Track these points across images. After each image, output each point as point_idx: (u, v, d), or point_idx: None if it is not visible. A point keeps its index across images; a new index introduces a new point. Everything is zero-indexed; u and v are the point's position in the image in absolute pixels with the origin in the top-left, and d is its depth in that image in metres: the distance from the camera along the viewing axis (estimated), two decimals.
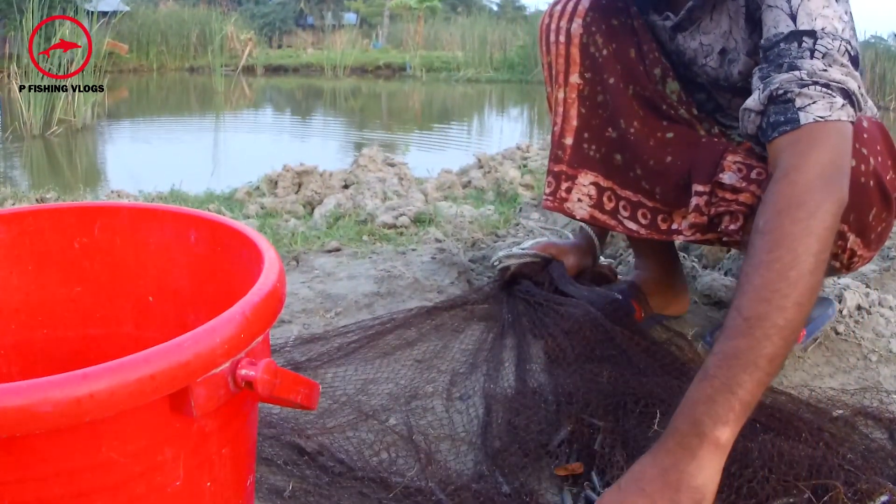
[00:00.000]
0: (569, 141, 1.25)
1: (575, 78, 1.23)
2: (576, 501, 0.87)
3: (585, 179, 1.25)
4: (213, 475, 0.59)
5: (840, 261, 1.08)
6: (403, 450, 0.97)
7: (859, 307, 1.39)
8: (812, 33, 0.91)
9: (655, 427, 0.94)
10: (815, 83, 0.89)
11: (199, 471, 0.57)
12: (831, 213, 0.81)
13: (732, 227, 1.12)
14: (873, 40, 11.79)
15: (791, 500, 0.81)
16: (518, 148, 3.42)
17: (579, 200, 1.27)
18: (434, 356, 1.22)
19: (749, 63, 1.08)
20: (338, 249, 1.81)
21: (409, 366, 1.19)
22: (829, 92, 0.88)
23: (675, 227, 1.20)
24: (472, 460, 0.95)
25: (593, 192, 1.26)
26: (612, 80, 1.21)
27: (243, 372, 0.55)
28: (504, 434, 0.98)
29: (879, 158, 1.01)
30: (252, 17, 19.16)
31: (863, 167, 0.99)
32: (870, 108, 1.20)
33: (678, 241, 1.22)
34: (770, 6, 0.96)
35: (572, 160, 1.25)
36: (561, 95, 1.25)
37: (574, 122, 1.25)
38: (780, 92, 0.90)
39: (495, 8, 28.15)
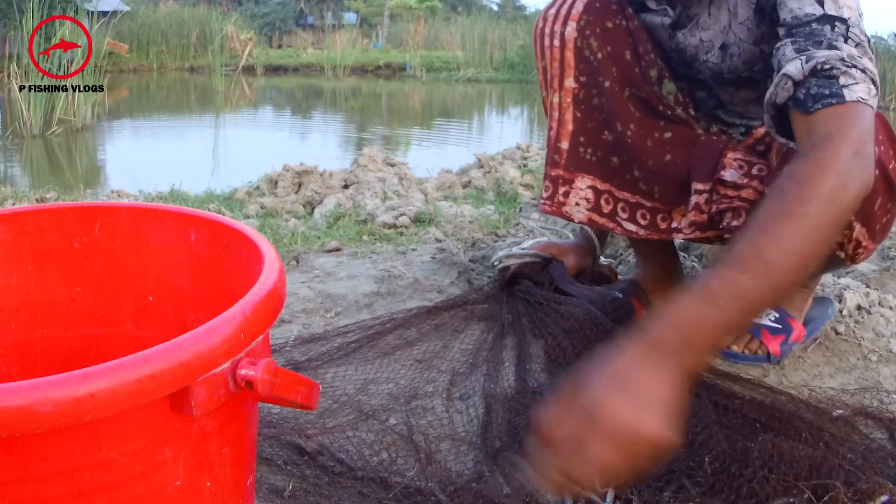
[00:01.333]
0: (565, 145, 1.25)
1: (570, 82, 1.23)
2: (576, 502, 0.87)
3: (582, 183, 1.26)
4: (213, 475, 0.59)
5: (846, 251, 1.08)
6: (403, 450, 0.96)
7: (859, 307, 1.39)
8: (844, 20, 0.93)
9: None
10: (855, 66, 0.90)
11: (199, 471, 0.57)
12: (861, 190, 0.81)
13: (735, 223, 1.12)
14: (873, 40, 11.77)
15: (791, 500, 0.81)
16: (518, 148, 3.42)
17: (577, 204, 1.27)
18: (434, 356, 1.22)
19: (754, 52, 1.08)
20: (338, 249, 1.81)
21: (409, 366, 1.19)
22: (866, 78, 0.90)
23: (674, 225, 1.20)
24: (472, 460, 0.95)
25: (591, 195, 1.26)
26: (607, 84, 1.21)
27: (243, 372, 0.55)
28: (504, 434, 0.98)
29: (882, 147, 1.01)
30: (252, 17, 19.16)
31: None
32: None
33: (678, 239, 1.22)
34: None
35: (569, 164, 1.26)
36: (556, 100, 1.25)
37: (570, 126, 1.25)
38: (827, 67, 0.90)
39: (495, 8, 28.16)
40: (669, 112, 1.21)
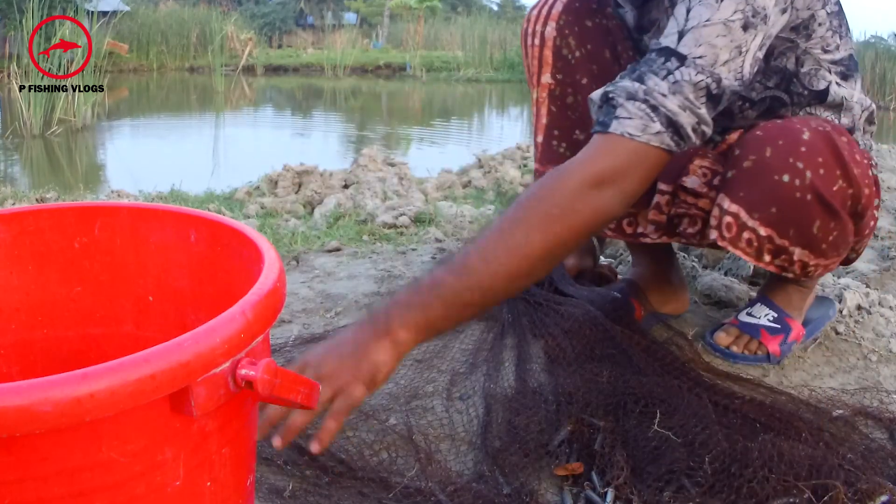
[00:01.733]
0: (540, 139, 1.28)
1: (546, 78, 1.25)
2: (576, 501, 0.87)
3: None
4: (213, 475, 0.59)
5: (792, 272, 1.08)
6: (403, 450, 0.96)
7: (859, 307, 1.39)
8: (683, 58, 0.92)
9: (655, 427, 0.94)
10: (646, 101, 0.91)
11: (199, 470, 0.57)
12: (582, 220, 0.88)
13: (690, 230, 1.13)
14: (873, 40, 11.79)
15: (791, 500, 0.81)
16: (518, 148, 3.42)
17: None
18: (434, 356, 1.22)
19: None
20: (338, 249, 1.81)
21: (409, 366, 1.19)
22: (651, 115, 0.90)
23: (640, 230, 1.20)
24: (472, 460, 0.95)
25: None
26: (584, 81, 1.23)
27: (243, 372, 0.55)
28: (504, 434, 0.98)
29: (821, 171, 1.00)
30: (252, 17, 19.16)
31: (797, 182, 0.99)
32: (858, 102, 1.17)
33: (645, 242, 1.22)
34: (672, 14, 0.97)
35: (543, 157, 1.28)
36: (534, 96, 1.28)
37: (544, 121, 1.27)
38: (612, 96, 0.93)
39: (495, 8, 28.14)
40: None
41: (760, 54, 0.97)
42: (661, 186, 1.14)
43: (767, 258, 1.05)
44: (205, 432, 0.56)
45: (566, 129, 1.26)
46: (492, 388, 1.11)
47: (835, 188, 1.01)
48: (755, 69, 0.96)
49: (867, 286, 1.52)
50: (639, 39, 1.20)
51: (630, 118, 0.90)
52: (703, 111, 0.92)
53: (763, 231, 1.02)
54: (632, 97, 0.91)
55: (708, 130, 0.95)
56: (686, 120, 0.91)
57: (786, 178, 0.99)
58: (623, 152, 0.90)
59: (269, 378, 0.56)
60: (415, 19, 17.16)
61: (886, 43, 11.67)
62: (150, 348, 0.49)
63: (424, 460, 0.93)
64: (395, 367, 0.86)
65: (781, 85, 1.12)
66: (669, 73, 0.92)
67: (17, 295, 0.78)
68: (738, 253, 1.04)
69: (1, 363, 0.78)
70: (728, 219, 1.04)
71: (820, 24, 1.08)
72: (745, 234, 1.03)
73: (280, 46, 18.52)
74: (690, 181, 1.11)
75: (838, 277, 1.55)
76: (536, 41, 1.25)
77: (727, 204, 1.03)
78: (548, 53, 1.24)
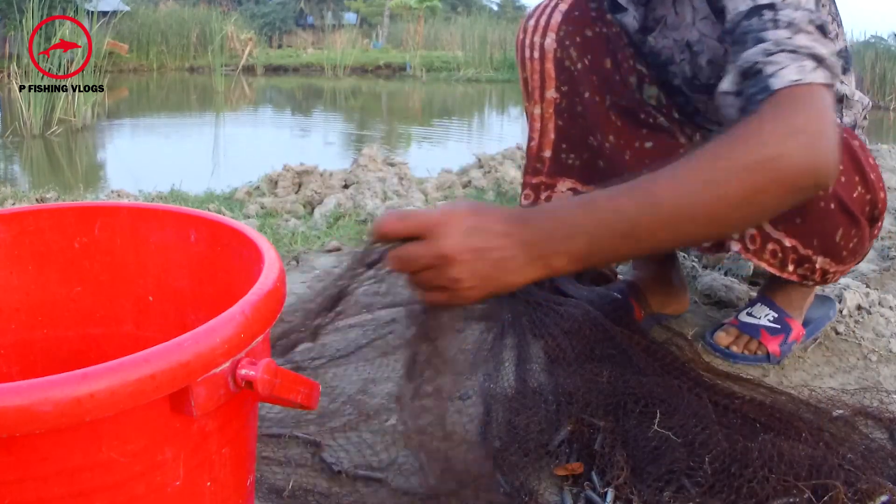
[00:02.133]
0: (547, 154, 1.25)
1: (551, 93, 1.22)
2: (576, 501, 0.87)
3: (563, 186, 1.26)
4: (213, 475, 0.59)
5: (812, 280, 1.08)
6: (403, 450, 0.96)
7: (859, 307, 1.39)
8: (772, 5, 0.88)
9: (655, 427, 0.94)
10: (782, 50, 0.85)
11: (199, 471, 0.57)
12: (800, 171, 0.76)
13: (707, 243, 1.12)
14: (873, 40, 11.79)
15: (791, 500, 0.81)
16: (518, 148, 3.41)
17: None
18: (434, 356, 1.22)
19: (718, 49, 1.07)
20: (338, 249, 1.80)
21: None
22: (798, 57, 0.85)
23: None
24: (471, 460, 0.95)
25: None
26: (587, 94, 1.20)
27: (243, 372, 0.55)
28: (504, 434, 0.98)
29: (843, 178, 0.99)
30: (252, 17, 19.16)
31: (820, 192, 0.96)
32: (858, 100, 1.18)
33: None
34: None
35: (551, 170, 1.25)
36: (537, 111, 1.24)
37: (552, 136, 1.24)
38: (748, 65, 0.87)
39: (495, 8, 28.15)
40: (651, 120, 1.20)
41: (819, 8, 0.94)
42: None
43: (791, 268, 1.05)
44: (205, 432, 0.56)
45: (575, 138, 1.23)
46: (492, 388, 1.11)
47: (855, 195, 1.01)
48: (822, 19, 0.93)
49: (867, 286, 1.52)
50: (642, 42, 1.19)
51: (783, 68, 0.84)
52: (825, 40, 0.88)
53: (788, 242, 1.02)
54: (769, 53, 0.85)
55: (840, 62, 0.90)
56: (823, 50, 0.86)
57: None
58: (802, 100, 0.81)
59: (269, 378, 0.56)
60: (415, 19, 17.17)
61: (886, 43, 11.68)
62: (150, 348, 0.49)
63: (424, 460, 0.93)
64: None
65: None
66: (776, 21, 0.88)
67: (17, 295, 0.78)
68: (763, 265, 1.04)
69: (1, 363, 0.78)
70: (752, 231, 1.03)
71: (823, 6, 1.08)
72: (770, 246, 1.02)
73: (280, 46, 18.53)
74: None
75: None
76: (536, 54, 1.22)
77: None
78: (550, 67, 1.21)
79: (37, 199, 2.53)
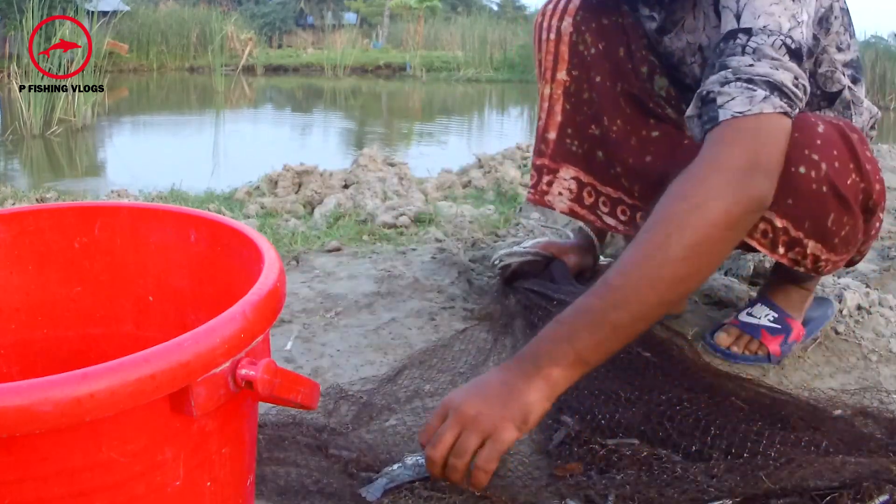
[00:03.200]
0: (552, 135, 1.28)
1: (562, 74, 1.25)
2: (576, 501, 0.87)
3: (567, 174, 1.28)
4: (213, 475, 0.59)
5: (804, 265, 1.08)
6: (403, 450, 0.96)
7: (859, 307, 1.39)
8: (748, 30, 0.92)
9: (655, 427, 0.94)
10: (738, 79, 0.89)
11: (199, 470, 0.57)
12: (723, 209, 0.82)
13: None
14: (873, 40, 11.80)
15: (791, 500, 0.81)
16: (518, 148, 3.41)
17: (560, 194, 1.29)
18: (434, 356, 1.22)
19: None
20: (338, 249, 1.80)
21: (409, 366, 1.19)
22: (750, 87, 0.89)
23: None
24: None
25: (574, 186, 1.29)
26: (598, 79, 1.23)
27: (243, 372, 0.55)
28: None
29: (836, 164, 0.99)
30: (252, 17, 19.16)
31: (813, 173, 0.98)
32: (867, 108, 1.19)
33: None
34: (724, 7, 0.97)
35: (555, 154, 1.28)
36: (547, 91, 1.27)
37: (558, 118, 1.27)
38: (706, 93, 0.92)
39: (495, 8, 28.14)
40: (660, 110, 1.23)
41: (811, 30, 0.96)
42: None
43: (782, 250, 1.04)
44: (205, 432, 0.56)
45: (581, 124, 1.26)
46: None
47: (849, 181, 1.01)
48: (810, 42, 0.96)
49: (867, 286, 1.52)
50: (658, 41, 1.20)
51: (732, 99, 0.88)
52: (793, 66, 0.91)
53: (779, 222, 1.01)
54: (725, 82, 0.90)
55: (807, 85, 0.93)
56: (783, 77, 0.89)
57: (802, 169, 0.97)
58: (742, 132, 0.87)
59: (269, 378, 0.56)
60: (415, 19, 17.16)
61: (886, 43, 11.68)
62: (150, 348, 0.49)
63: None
64: (549, 407, 0.82)
65: None
66: (744, 47, 0.91)
67: (17, 295, 0.78)
68: (753, 244, 1.04)
69: (1, 363, 0.78)
70: None
71: (836, 18, 1.10)
72: (761, 225, 1.02)
73: (280, 46, 18.53)
74: None
75: (838, 277, 1.55)
76: (552, 35, 1.25)
77: None
78: (564, 49, 1.24)
79: (37, 199, 2.53)
